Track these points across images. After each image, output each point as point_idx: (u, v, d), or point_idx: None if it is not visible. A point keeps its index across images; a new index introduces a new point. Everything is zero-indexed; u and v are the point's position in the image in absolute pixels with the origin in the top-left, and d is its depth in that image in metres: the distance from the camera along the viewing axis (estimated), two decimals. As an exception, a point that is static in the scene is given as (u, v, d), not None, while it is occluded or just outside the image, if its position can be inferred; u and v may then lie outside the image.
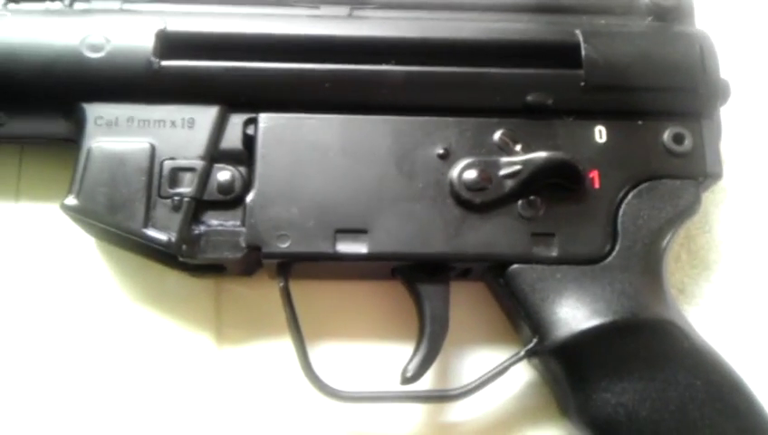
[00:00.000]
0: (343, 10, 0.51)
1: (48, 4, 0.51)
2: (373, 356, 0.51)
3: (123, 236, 0.48)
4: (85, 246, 0.53)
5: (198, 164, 0.48)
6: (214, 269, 0.50)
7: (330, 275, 0.51)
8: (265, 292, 0.51)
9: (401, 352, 0.49)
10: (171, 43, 0.49)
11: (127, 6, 0.51)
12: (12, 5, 0.51)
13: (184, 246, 0.47)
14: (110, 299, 0.52)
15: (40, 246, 0.53)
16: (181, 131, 0.48)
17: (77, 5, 0.51)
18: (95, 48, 0.48)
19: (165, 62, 0.48)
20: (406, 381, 0.47)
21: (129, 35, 0.49)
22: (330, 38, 0.50)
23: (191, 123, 0.49)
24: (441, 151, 0.49)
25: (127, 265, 0.52)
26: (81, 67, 0.48)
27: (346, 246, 0.47)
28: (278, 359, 0.51)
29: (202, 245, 0.47)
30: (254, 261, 0.48)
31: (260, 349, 0.51)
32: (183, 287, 0.52)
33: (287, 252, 0.47)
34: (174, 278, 0.52)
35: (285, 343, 0.49)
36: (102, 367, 0.51)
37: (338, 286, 0.52)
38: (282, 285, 0.48)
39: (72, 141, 0.50)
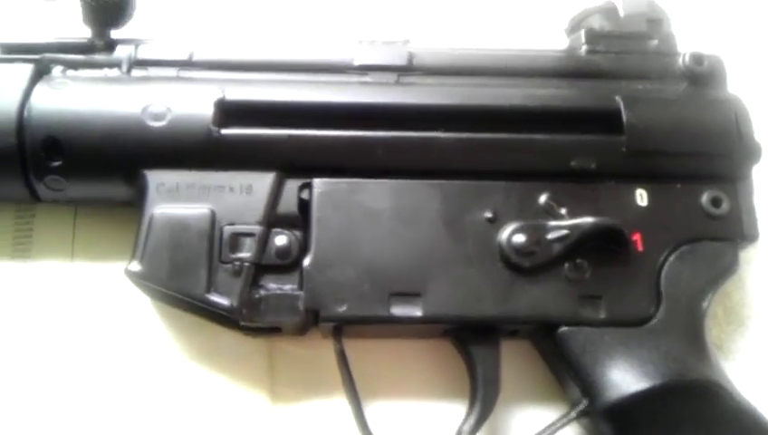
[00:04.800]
0: (391, 77, 0.53)
1: (106, 72, 0.53)
2: (425, 414, 0.52)
3: (184, 300, 0.49)
4: (141, 306, 0.54)
5: (257, 229, 0.49)
6: (268, 329, 0.51)
7: (382, 334, 0.53)
8: (318, 351, 0.53)
9: (452, 410, 0.51)
10: (230, 112, 0.50)
11: (183, 74, 0.53)
12: (70, 72, 0.53)
13: (244, 310, 0.48)
14: (165, 358, 0.53)
15: (96, 305, 0.54)
16: (240, 197, 0.50)
17: (135, 73, 0.53)
18: (157, 117, 0.50)
19: (224, 131, 0.50)
20: None
21: (189, 104, 0.51)
22: (381, 106, 0.52)
23: (249, 189, 0.50)
24: (489, 215, 0.51)
25: (182, 325, 0.53)
26: (142, 135, 0.50)
27: (400, 310, 0.49)
28: (331, 417, 0.52)
29: (261, 308, 0.49)
30: (309, 322, 0.50)
31: (313, 407, 0.53)
32: (237, 347, 0.53)
33: (344, 315, 0.49)
34: (228, 338, 0.53)
35: (338, 401, 0.51)
36: (160, 426, 0.52)
37: (389, 345, 0.53)
38: (338, 347, 0.49)
39: (128, 204, 0.52)
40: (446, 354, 0.53)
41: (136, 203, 0.51)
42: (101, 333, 0.54)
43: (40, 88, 0.51)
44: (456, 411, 0.51)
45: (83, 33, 0.55)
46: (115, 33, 0.55)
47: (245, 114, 0.50)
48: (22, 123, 0.50)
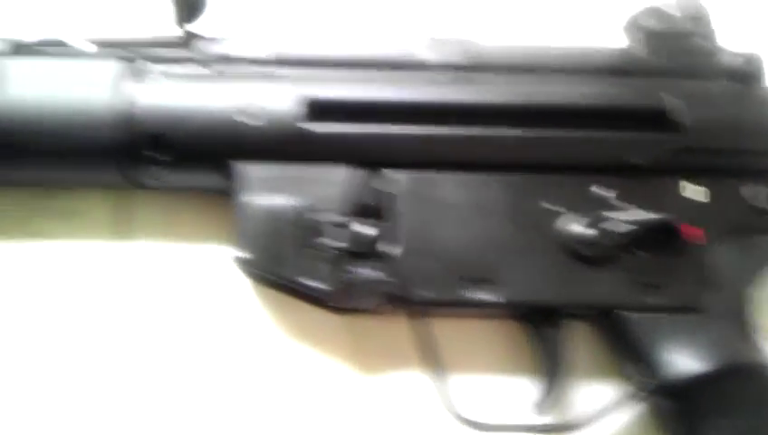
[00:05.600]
0: (460, 74, 0.57)
1: (197, 69, 0.57)
2: (495, 388, 0.58)
3: (283, 284, 0.54)
4: (239, 286, 0.59)
5: (342, 219, 0.54)
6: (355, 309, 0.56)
7: (456, 315, 0.58)
8: (393, 326, 0.58)
9: (519, 385, 0.57)
10: (318, 109, 0.55)
11: (269, 71, 0.57)
12: (161, 67, 0.57)
13: (336, 295, 0.53)
14: (263, 335, 0.59)
15: (196, 285, 0.60)
16: (326, 188, 0.55)
17: (220, 69, 0.57)
18: (247, 114, 0.54)
19: (312, 127, 0.54)
20: (539, 413, 0.54)
21: (278, 102, 0.55)
22: (454, 103, 0.56)
23: (335, 181, 0.55)
24: (552, 207, 0.55)
25: (277, 304, 0.59)
26: (235, 131, 0.54)
27: (478, 294, 0.54)
28: (408, 387, 0.58)
29: (351, 292, 0.54)
30: (395, 305, 0.55)
31: (392, 378, 0.58)
32: (325, 323, 0.58)
33: (430, 300, 0.54)
34: (317, 315, 0.57)
35: (414, 373, 0.58)
36: (260, 398, 0.58)
37: (461, 324, 0.59)
38: (423, 328, 0.55)
39: (221, 192, 0.56)
40: (511, 333, 0.58)
41: (228, 191, 0.56)
42: (201, 312, 0.59)
43: (140, 84, 0.55)
44: (522, 386, 0.56)
45: (163, 29, 0.58)
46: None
47: (333, 111, 0.55)
48: (127, 119, 0.54)
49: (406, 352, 0.58)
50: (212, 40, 0.58)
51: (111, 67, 0.55)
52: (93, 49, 0.58)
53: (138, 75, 0.56)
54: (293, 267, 0.54)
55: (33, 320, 0.58)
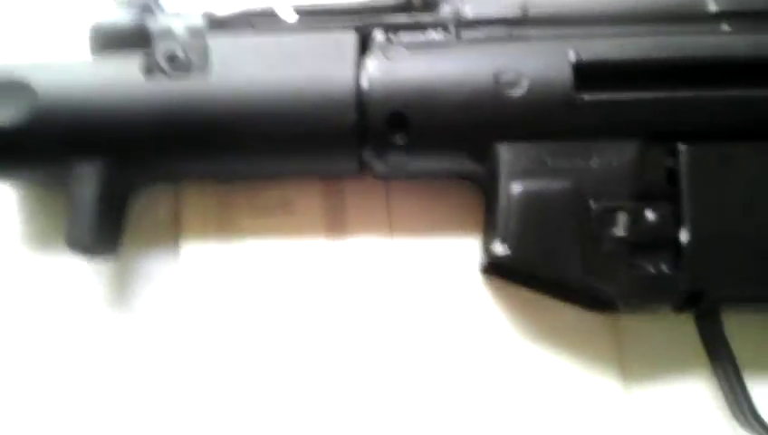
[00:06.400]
0: (751, 25, 0.48)
1: (438, 35, 0.49)
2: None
3: (554, 284, 0.46)
4: (469, 281, 0.51)
5: (625, 204, 0.46)
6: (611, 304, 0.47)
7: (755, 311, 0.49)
8: (669, 325, 0.49)
9: None
10: (587, 75, 0.46)
11: (517, 32, 0.48)
12: (399, 36, 0.49)
13: (628, 296, 0.45)
14: (498, 337, 0.51)
15: (420, 281, 0.51)
16: (603, 168, 0.46)
17: (464, 35, 0.49)
18: (511, 85, 0.46)
19: (584, 96, 0.45)
20: None
21: (543, 68, 0.46)
22: (750, 59, 0.46)
23: (613, 159, 0.46)
24: None
25: (516, 301, 0.50)
26: (496, 106, 0.46)
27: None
28: (690, 400, 0.49)
29: (644, 293, 0.45)
30: (686, 304, 0.46)
31: (669, 389, 0.49)
32: (580, 323, 0.50)
33: (732, 295, 0.45)
34: (570, 314, 0.49)
35: (696, 382, 0.49)
36: (498, 409, 0.50)
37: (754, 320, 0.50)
38: (717, 329, 0.46)
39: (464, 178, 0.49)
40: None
41: (477, 177, 0.48)
42: (427, 309, 0.51)
43: (374, 58, 0.47)
44: None
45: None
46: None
47: (604, 76, 0.46)
48: (362, 98, 0.46)
49: (683, 355, 0.49)
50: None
51: (342, 39, 0.47)
52: (294, 18, 0.50)
53: (373, 47, 0.48)
54: (570, 265, 0.45)
55: (240, 325, 0.51)
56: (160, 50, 0.48)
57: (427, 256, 0.51)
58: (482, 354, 0.50)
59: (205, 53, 0.47)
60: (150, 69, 0.47)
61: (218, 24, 0.49)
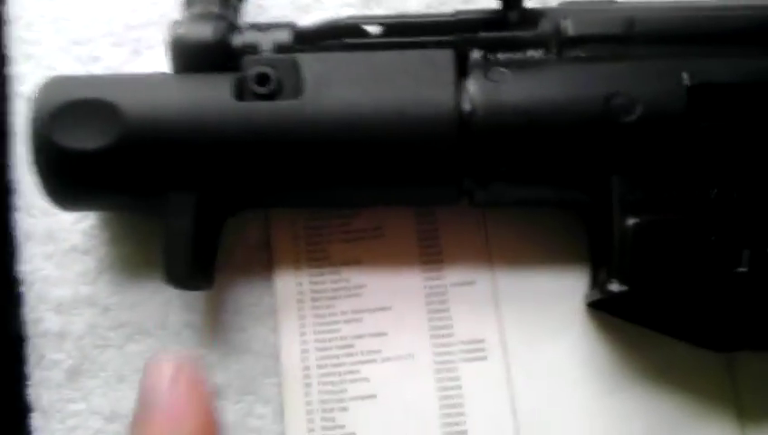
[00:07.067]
0: None
1: (538, 53, 0.46)
2: None
3: (670, 321, 0.43)
4: (572, 315, 0.48)
5: (748, 237, 0.42)
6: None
7: None
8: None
9: None
10: (703, 99, 0.42)
11: (625, 51, 0.45)
12: (492, 56, 0.46)
13: (746, 332, 0.43)
14: (605, 373, 0.48)
15: (520, 312, 0.49)
16: (722, 200, 0.43)
17: (567, 53, 0.46)
18: (623, 109, 0.43)
19: (699, 122, 0.42)
20: None
21: (657, 91, 0.43)
22: None
23: (731, 190, 0.43)
24: None
25: (622, 335, 0.48)
26: (609, 133, 0.43)
27: None
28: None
29: (761, 330, 0.42)
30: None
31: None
32: (693, 360, 0.47)
33: None
34: (681, 349, 0.46)
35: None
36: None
37: None
38: None
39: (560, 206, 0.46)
40: None
41: (583, 207, 0.46)
42: (530, 342, 0.48)
43: (474, 79, 0.44)
44: None
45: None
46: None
47: (719, 101, 0.43)
48: (464, 122, 0.43)
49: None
50: (541, 13, 0.47)
51: (446, 59, 0.44)
52: (378, 31, 0.47)
53: (472, 67, 0.45)
54: (688, 302, 0.42)
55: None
56: (251, 70, 0.45)
57: (529, 288, 0.49)
58: (587, 392, 0.48)
59: (297, 73, 0.45)
60: (241, 91, 0.44)
61: (304, 38, 0.47)
